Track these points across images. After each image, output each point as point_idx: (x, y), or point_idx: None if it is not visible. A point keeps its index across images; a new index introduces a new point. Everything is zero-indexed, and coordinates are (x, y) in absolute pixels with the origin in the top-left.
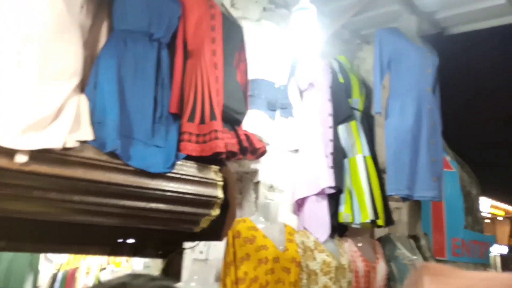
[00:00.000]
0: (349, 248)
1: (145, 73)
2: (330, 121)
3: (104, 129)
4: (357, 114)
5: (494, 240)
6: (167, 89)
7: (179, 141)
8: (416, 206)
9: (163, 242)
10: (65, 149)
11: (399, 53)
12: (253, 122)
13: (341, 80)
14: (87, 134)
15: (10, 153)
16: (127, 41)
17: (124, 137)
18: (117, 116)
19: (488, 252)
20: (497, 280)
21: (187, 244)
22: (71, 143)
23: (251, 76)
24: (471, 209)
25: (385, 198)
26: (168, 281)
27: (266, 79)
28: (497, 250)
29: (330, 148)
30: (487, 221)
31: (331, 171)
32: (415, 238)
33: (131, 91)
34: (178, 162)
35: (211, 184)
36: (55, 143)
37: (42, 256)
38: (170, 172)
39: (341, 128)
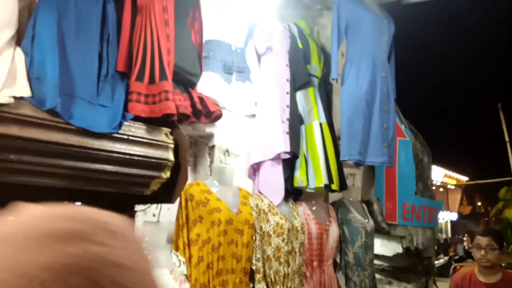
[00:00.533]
0: (303, 211)
1: (89, 27)
2: (287, 86)
3: (42, 86)
4: (315, 81)
5: (442, 206)
6: (113, 46)
7: (127, 101)
8: (370, 173)
9: (114, 205)
10: None
11: (356, 19)
12: (208, 85)
13: (300, 45)
14: (24, 90)
15: None
16: None
17: (65, 94)
18: (57, 73)
19: (436, 217)
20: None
21: (138, 207)
22: (5, 99)
23: (206, 36)
24: (422, 176)
25: (340, 164)
26: None
27: (222, 41)
28: (448, 216)
29: (286, 114)
30: (441, 189)
31: (287, 137)
32: (368, 203)
33: (73, 46)
34: (126, 123)
35: (161, 146)
36: None
37: None
38: (116, 133)
39: (299, 94)
